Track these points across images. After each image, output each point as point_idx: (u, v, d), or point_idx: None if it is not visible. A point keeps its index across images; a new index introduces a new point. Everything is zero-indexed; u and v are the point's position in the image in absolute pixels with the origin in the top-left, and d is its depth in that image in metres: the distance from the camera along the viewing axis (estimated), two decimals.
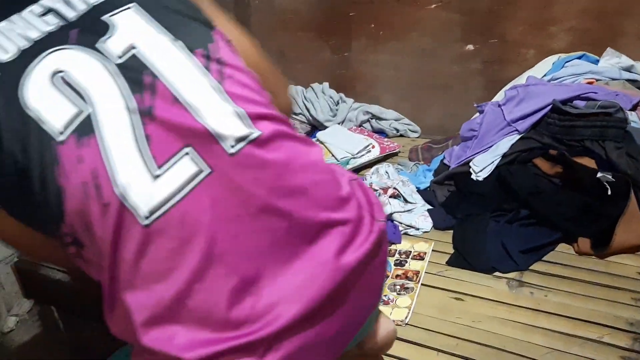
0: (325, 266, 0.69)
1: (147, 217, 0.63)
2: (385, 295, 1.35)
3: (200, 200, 0.64)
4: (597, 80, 1.78)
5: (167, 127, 0.65)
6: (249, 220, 0.66)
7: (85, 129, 0.63)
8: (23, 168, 0.63)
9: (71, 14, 0.69)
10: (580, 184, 1.48)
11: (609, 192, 1.41)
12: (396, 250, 1.53)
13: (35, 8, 0.69)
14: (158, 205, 0.63)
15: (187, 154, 0.65)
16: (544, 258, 1.42)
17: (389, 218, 1.64)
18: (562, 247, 1.46)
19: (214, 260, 0.64)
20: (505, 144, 1.67)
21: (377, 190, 1.72)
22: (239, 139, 0.66)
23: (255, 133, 0.68)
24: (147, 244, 0.63)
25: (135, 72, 0.66)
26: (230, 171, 0.66)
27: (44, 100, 0.64)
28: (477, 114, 1.91)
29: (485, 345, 1.17)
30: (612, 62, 1.86)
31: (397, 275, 1.43)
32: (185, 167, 0.64)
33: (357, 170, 2.02)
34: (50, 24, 0.68)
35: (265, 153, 0.68)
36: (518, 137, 1.67)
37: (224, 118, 0.67)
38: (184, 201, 0.64)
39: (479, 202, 1.60)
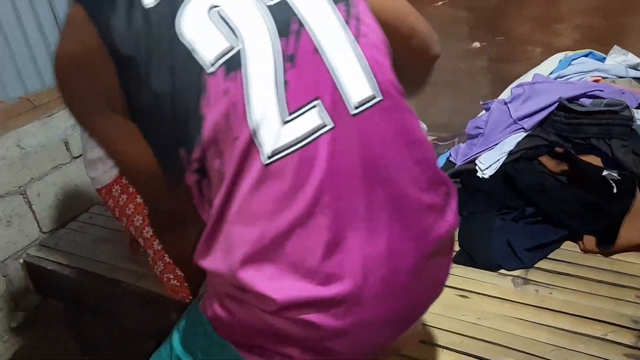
0: (410, 242, 0.72)
1: (269, 157, 0.65)
2: None
3: (317, 152, 0.66)
4: (603, 78, 1.77)
5: (304, 76, 0.67)
6: (354, 181, 0.68)
7: (234, 64, 0.66)
8: (168, 90, 0.66)
9: None
10: (586, 181, 1.48)
11: (615, 190, 1.41)
12: None
13: None
14: (281, 149, 0.66)
15: (315, 106, 0.67)
16: (549, 256, 1.42)
17: None
18: (567, 244, 1.46)
19: (318, 211, 0.66)
20: (511, 142, 1.66)
21: None
22: (363, 102, 0.69)
23: (378, 97, 0.70)
24: (263, 182, 0.66)
25: (283, 17, 0.68)
26: (349, 131, 0.68)
27: (199, 31, 0.66)
28: (483, 111, 1.90)
29: (491, 343, 1.18)
30: (618, 60, 1.85)
31: None
32: (312, 118, 0.67)
33: None
34: None
35: (382, 120, 0.70)
36: (524, 134, 1.66)
37: (355, 78, 0.69)
38: (304, 150, 0.66)
39: (484, 199, 1.60)
